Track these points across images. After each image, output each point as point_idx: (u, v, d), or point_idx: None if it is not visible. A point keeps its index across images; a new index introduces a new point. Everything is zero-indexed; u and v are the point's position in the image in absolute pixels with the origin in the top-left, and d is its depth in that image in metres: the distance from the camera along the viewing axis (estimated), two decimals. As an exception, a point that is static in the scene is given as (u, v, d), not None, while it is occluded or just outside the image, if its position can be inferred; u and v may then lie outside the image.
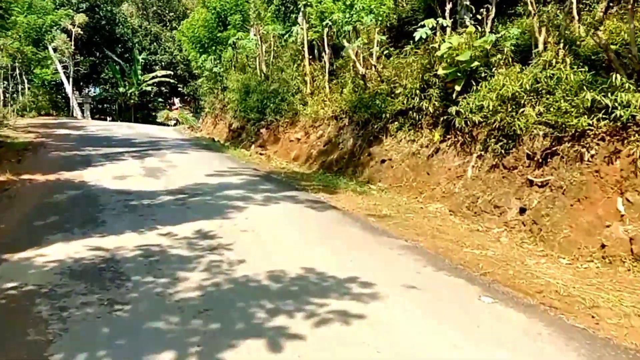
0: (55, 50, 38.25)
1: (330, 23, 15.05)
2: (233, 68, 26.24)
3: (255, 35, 23.92)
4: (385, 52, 14.58)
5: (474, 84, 10.25)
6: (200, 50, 29.36)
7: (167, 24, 52.45)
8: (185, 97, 57.71)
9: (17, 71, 31.67)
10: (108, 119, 52.84)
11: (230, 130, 25.13)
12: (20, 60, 30.81)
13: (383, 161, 12.59)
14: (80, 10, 41.92)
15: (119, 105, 49.67)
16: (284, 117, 19.24)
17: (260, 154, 18.36)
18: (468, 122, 10.03)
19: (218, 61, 27.41)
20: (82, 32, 40.22)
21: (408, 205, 10.18)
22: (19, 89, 32.41)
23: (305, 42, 18.39)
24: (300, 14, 19.58)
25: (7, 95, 30.60)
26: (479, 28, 10.96)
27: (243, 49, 24.65)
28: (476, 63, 10.32)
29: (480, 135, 9.89)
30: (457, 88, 10.46)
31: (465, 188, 9.67)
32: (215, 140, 24.04)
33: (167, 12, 52.61)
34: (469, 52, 10.35)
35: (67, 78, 40.31)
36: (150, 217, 8.24)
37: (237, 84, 23.78)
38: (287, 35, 21.39)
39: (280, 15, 22.13)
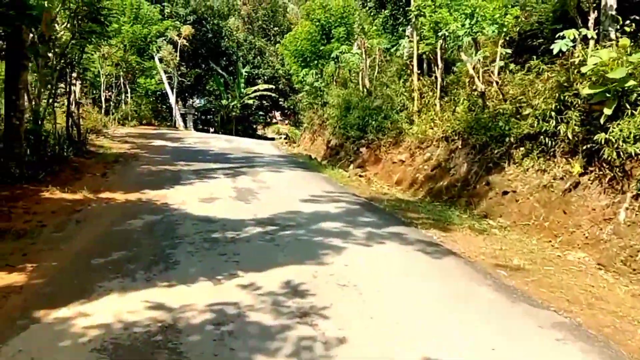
0: (160, 60, 38.72)
1: (446, 34, 13.33)
2: (334, 83, 25.05)
3: (359, 48, 22.58)
4: (509, 67, 12.71)
5: (628, 107, 8.27)
6: (302, 64, 28.42)
7: (271, 39, 52.36)
8: (286, 111, 57.68)
9: (121, 80, 31.92)
10: (210, 130, 53.60)
11: (328, 148, 23.82)
12: (124, 69, 31.01)
13: (505, 193, 10.69)
14: (188, 22, 42.51)
15: (221, 117, 50.00)
16: (387, 136, 17.63)
17: (360, 176, 16.82)
18: (621, 154, 8.07)
19: (319, 75, 26.31)
20: (187, 44, 40.58)
21: (541, 251, 8.25)
22: (122, 97, 32.61)
23: (415, 56, 16.78)
24: (410, 25, 18.03)
25: (110, 103, 30.73)
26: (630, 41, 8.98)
27: (345, 63, 23.34)
28: (632, 82, 8.32)
29: (637, 171, 7.89)
30: (607, 111, 8.46)
31: (618, 236, 7.67)
32: (312, 158, 22.79)
33: (271, 26, 52.52)
34: (622, 69, 8.36)
35: (171, 89, 40.75)
36: (232, 258, 6.77)
37: (337, 100, 22.53)
38: (393, 49, 19.84)
39: (388, 27, 20.62)
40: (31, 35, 12.83)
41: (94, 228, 8.28)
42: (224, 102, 47.15)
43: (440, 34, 13.72)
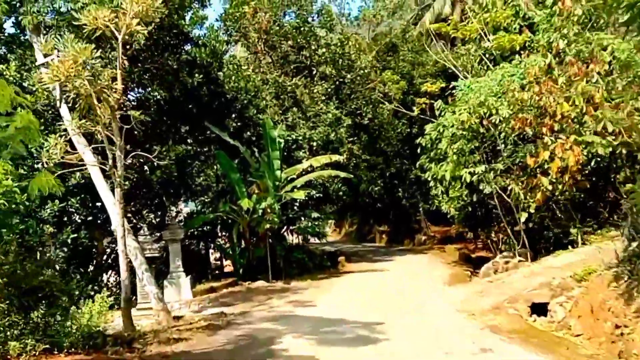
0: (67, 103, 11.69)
1: None
2: None
3: None
4: None
5: None
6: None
7: (313, 69, 26.15)
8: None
9: None
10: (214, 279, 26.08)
11: None
12: None
13: None
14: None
15: (239, 235, 22.29)
16: None
17: None
18: None
19: None
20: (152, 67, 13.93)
21: None
22: None
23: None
24: None
25: None
26: None
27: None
28: None
29: None
30: None
31: None
32: None
33: (312, 50, 26.13)
34: None
35: (110, 184, 13.01)
36: None
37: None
38: None
39: None
40: None
41: None
42: (244, 204, 19.47)
43: None
